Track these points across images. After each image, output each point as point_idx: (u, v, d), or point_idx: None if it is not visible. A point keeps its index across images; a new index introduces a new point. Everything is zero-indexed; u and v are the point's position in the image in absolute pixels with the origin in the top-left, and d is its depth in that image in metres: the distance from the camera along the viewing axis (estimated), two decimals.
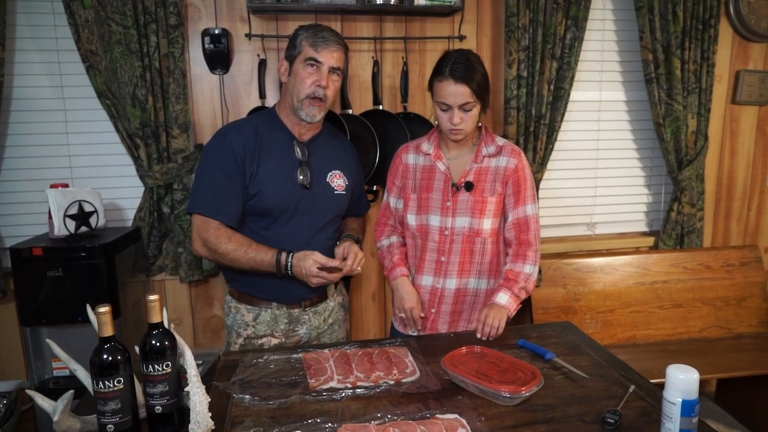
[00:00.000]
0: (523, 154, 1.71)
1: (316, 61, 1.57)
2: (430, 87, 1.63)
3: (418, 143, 1.76)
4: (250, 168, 1.60)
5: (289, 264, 1.56)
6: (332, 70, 1.59)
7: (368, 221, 2.04)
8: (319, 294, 1.74)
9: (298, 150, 1.66)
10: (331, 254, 1.68)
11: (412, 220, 1.74)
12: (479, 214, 1.67)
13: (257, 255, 1.57)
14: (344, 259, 1.61)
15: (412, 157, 1.76)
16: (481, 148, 1.69)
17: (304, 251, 1.57)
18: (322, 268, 1.54)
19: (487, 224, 1.68)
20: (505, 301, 1.61)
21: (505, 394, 1.21)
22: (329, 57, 1.57)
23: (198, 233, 1.61)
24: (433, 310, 1.74)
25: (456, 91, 1.55)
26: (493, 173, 1.68)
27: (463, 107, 1.57)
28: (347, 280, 2.00)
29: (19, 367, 2.28)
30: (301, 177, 1.64)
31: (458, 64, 1.55)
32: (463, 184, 1.67)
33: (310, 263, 1.53)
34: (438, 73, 1.59)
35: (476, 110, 1.60)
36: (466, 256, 1.70)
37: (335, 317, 1.82)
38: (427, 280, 1.74)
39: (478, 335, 1.57)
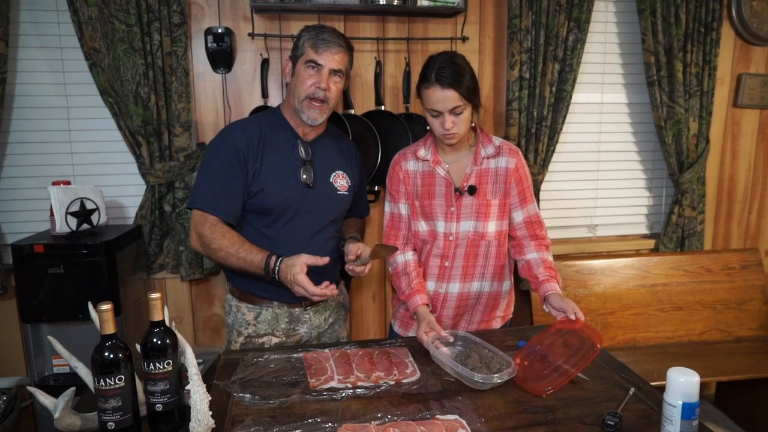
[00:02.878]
0: (520, 152, 1.70)
1: (317, 63, 1.57)
2: (419, 94, 1.61)
3: (415, 149, 1.73)
4: (253, 166, 1.60)
5: (277, 268, 1.52)
6: (333, 72, 1.59)
7: (367, 223, 2.03)
8: None
9: (302, 149, 1.66)
10: (331, 254, 1.68)
11: (419, 227, 1.73)
12: (484, 218, 1.66)
13: (248, 255, 1.55)
14: (358, 256, 1.59)
15: (412, 164, 1.72)
16: (479, 150, 1.67)
17: (293, 256, 1.52)
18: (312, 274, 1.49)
19: (492, 227, 1.67)
20: (558, 289, 1.57)
21: (477, 379, 1.28)
22: (330, 59, 1.57)
23: (195, 228, 1.61)
24: (434, 314, 1.72)
25: (444, 97, 1.53)
26: (494, 175, 1.67)
27: (454, 111, 1.55)
28: (348, 280, 2.00)
29: (19, 363, 2.28)
30: (304, 176, 1.64)
31: (443, 69, 1.52)
32: (466, 189, 1.65)
33: (297, 269, 1.48)
34: (424, 79, 1.56)
35: (467, 112, 1.57)
36: (470, 260, 1.69)
37: (336, 317, 1.82)
38: (429, 286, 1.73)
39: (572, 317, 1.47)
